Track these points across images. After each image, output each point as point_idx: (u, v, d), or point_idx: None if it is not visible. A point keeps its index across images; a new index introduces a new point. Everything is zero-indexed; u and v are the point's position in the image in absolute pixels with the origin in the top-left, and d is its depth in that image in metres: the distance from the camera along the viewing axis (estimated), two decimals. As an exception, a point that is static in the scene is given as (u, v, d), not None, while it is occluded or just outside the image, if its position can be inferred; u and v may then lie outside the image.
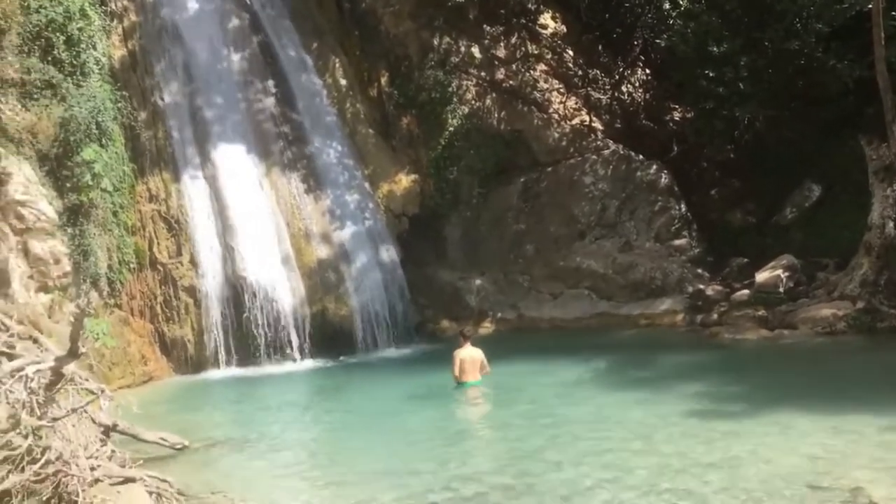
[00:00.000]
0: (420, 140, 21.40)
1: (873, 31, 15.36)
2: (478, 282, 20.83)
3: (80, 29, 16.48)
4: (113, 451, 8.85)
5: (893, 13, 16.01)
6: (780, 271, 17.58)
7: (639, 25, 23.04)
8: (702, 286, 18.86)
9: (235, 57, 20.45)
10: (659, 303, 19.09)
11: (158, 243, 18.05)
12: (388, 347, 18.82)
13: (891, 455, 8.52)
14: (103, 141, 16.44)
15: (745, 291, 17.84)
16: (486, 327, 20.22)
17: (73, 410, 7.99)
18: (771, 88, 19.29)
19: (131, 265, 17.56)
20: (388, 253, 19.89)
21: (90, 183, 15.74)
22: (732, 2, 19.58)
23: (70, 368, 8.43)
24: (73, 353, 8.04)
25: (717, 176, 22.24)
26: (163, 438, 10.62)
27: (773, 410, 10.52)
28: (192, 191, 18.59)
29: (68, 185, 15.67)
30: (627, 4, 22.86)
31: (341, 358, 17.94)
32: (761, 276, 17.67)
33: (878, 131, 16.09)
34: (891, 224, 15.92)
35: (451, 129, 21.24)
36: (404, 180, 20.81)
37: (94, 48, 17.14)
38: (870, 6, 15.67)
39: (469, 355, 13.32)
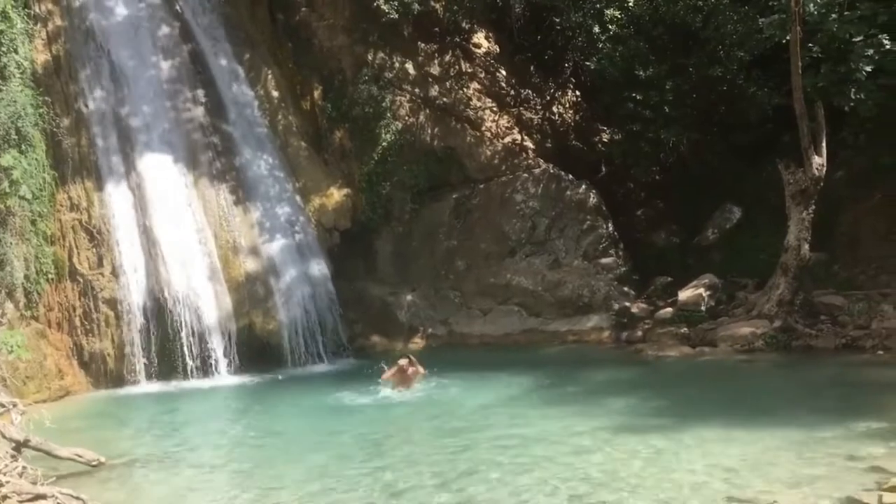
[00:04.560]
0: (353, 154, 21.31)
1: (791, 61, 16.01)
2: (408, 297, 20.81)
3: (0, 31, 15.93)
4: (24, 468, 8.56)
5: (810, 44, 16.72)
6: (701, 290, 18.08)
7: (569, 48, 23.49)
8: (627, 304, 19.27)
9: (165, 65, 20.01)
10: (586, 320, 19.42)
11: (79, 254, 17.48)
12: (317, 362, 18.60)
13: (803, 467, 8.84)
14: (23, 147, 15.89)
15: (669, 309, 18.29)
16: (417, 343, 20.20)
17: (-18, 425, 7.66)
18: (694, 113, 19.94)
19: (49, 276, 16.94)
20: (319, 267, 19.68)
21: (7, 190, 15.20)
22: (659, 28, 20.22)
23: (-21, 381, 8.09)
24: (-18, 365, 7.72)
25: (643, 197, 22.81)
26: (78, 455, 10.28)
27: (694, 425, 10.81)
28: (116, 200, 18.08)
29: (-16, 191, 15.08)
30: (559, 27, 23.29)
31: (263, 377, 17.52)
32: (684, 295, 18.14)
33: (794, 156, 16.76)
34: (806, 246, 16.57)
35: (384, 144, 21.22)
36: (336, 194, 20.67)
37: (16, 52, 16.55)
38: (787, 37, 16.34)
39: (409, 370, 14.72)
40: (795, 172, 16.62)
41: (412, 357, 15.20)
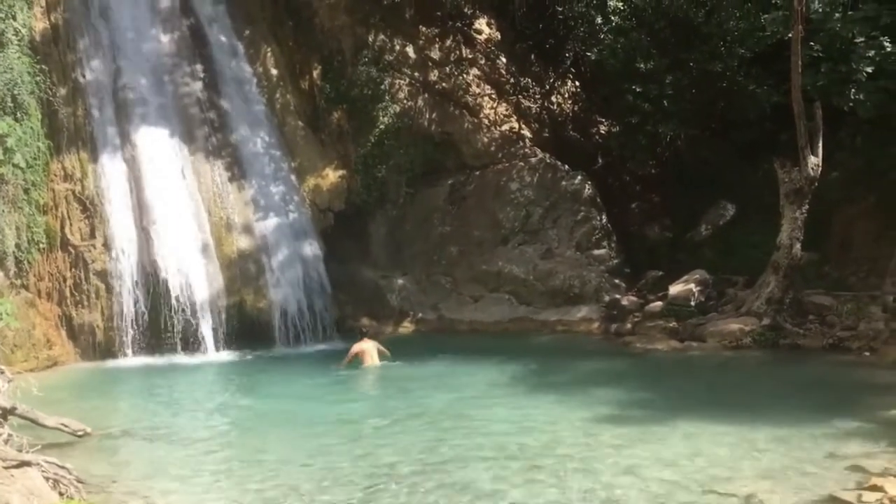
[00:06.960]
0: (350, 136, 21.23)
1: (791, 59, 16.00)
2: (400, 281, 20.81)
3: (-1, -3, 15.84)
4: (10, 435, 8.57)
5: (811, 43, 16.71)
6: (692, 285, 18.14)
7: (571, 38, 23.43)
8: (618, 296, 19.31)
9: (164, 38, 19.89)
10: (576, 310, 19.47)
11: (71, 224, 17.42)
12: (307, 343, 18.62)
13: (783, 463, 8.91)
14: (18, 115, 15.85)
15: (659, 303, 18.33)
16: (406, 327, 20.24)
17: (-32, 390, 7.66)
18: (693, 108, 19.92)
19: (41, 245, 16.89)
20: (311, 247, 19.66)
21: (1, 157, 15.16)
22: (661, 21, 20.20)
23: (-33, 347, 8.09)
24: (-30, 331, 7.71)
25: (638, 190, 22.84)
26: (64, 424, 10.28)
27: (677, 418, 10.86)
28: (110, 172, 18.00)
29: (-23, 158, 15.03)
30: (561, 16, 23.22)
31: (251, 355, 17.54)
32: (674, 290, 18.19)
33: (791, 155, 16.77)
34: (798, 245, 16.62)
35: (382, 126, 21.14)
36: (331, 175, 20.62)
37: (14, 18, 16.47)
38: (789, 35, 16.32)
39: (368, 346, 15.42)
40: (791, 171, 16.64)
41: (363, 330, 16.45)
